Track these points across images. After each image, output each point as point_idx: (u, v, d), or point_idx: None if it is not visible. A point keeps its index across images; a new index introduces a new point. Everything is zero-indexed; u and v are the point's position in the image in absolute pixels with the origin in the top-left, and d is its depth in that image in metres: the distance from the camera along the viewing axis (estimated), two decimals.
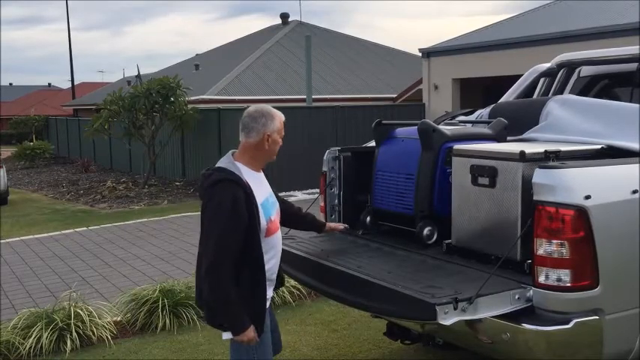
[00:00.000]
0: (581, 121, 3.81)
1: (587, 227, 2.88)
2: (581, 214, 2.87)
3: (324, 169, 4.37)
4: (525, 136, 3.97)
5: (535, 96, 5.24)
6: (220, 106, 17.60)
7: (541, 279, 2.94)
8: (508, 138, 3.90)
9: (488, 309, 2.86)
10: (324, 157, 4.37)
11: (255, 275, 2.96)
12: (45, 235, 10.29)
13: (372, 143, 4.25)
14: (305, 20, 34.23)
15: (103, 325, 5.32)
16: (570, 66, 5.21)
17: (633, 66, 4.72)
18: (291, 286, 5.91)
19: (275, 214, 3.12)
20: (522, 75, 5.35)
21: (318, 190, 4.94)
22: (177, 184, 16.12)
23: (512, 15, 26.53)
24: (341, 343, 5.12)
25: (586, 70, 5.20)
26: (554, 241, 2.90)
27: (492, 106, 4.70)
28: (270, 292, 3.13)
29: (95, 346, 5.21)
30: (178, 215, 11.64)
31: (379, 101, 21.11)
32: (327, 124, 15.02)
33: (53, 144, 27.15)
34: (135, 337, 5.42)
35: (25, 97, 55.69)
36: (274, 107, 3.14)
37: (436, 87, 17.26)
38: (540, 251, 2.95)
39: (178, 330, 5.47)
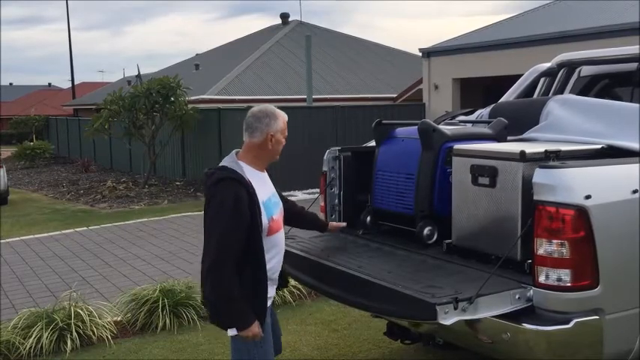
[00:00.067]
0: (582, 121, 3.81)
1: (588, 227, 2.88)
2: (582, 213, 2.87)
3: (325, 168, 4.37)
4: (525, 135, 3.96)
5: (535, 96, 5.24)
6: (220, 105, 17.61)
7: (541, 279, 2.94)
8: (508, 138, 3.90)
9: (489, 309, 2.86)
10: (325, 157, 4.37)
11: (257, 274, 2.97)
12: (45, 234, 10.29)
13: (372, 143, 4.25)
14: (305, 20, 34.30)
15: (104, 325, 5.32)
16: (570, 66, 5.20)
17: (633, 66, 4.72)
18: (292, 285, 5.90)
19: (277, 214, 3.13)
20: (522, 75, 5.35)
21: (318, 190, 4.95)
22: (178, 183, 16.13)
23: (512, 15, 26.53)
24: (341, 343, 5.12)
25: (586, 70, 5.20)
26: (555, 241, 2.90)
27: (492, 105, 4.70)
28: (272, 292, 3.14)
29: (95, 345, 5.21)
30: (178, 215, 11.64)
31: (379, 101, 21.12)
32: (327, 123, 15.02)
33: (53, 144, 27.16)
34: (135, 337, 5.42)
35: (26, 97, 55.70)
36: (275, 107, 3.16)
37: (436, 87, 17.26)
38: (540, 251, 2.95)
39: (178, 330, 5.47)
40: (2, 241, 9.82)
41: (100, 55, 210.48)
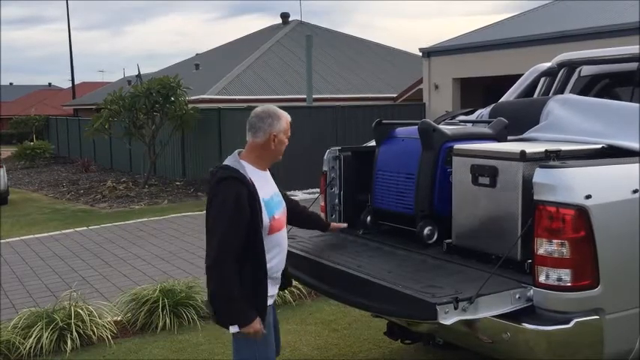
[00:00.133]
0: (582, 121, 3.81)
1: (588, 227, 2.87)
2: (582, 213, 2.87)
3: (325, 168, 4.37)
4: (526, 135, 3.96)
5: (535, 95, 5.24)
6: (221, 105, 17.61)
7: (541, 279, 2.94)
8: (508, 137, 3.90)
9: (489, 309, 2.86)
10: (325, 157, 4.37)
11: (257, 272, 2.99)
12: (45, 234, 10.28)
13: (373, 143, 4.25)
14: (305, 20, 34.28)
15: (104, 325, 5.32)
16: (571, 65, 5.21)
17: (634, 65, 4.72)
18: (292, 285, 5.90)
19: (279, 213, 3.15)
20: (523, 74, 5.34)
21: (318, 190, 4.95)
22: (178, 183, 16.12)
23: (512, 15, 26.53)
24: (341, 343, 5.12)
25: (586, 70, 5.20)
26: (555, 241, 2.90)
27: (493, 105, 4.70)
28: (273, 291, 3.16)
29: (95, 345, 5.21)
30: (179, 215, 11.64)
31: (379, 101, 21.11)
32: (327, 123, 15.01)
33: (53, 144, 27.17)
34: (135, 337, 5.42)
35: (26, 97, 55.69)
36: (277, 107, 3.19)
37: (436, 87, 17.26)
38: (541, 251, 2.94)
39: (179, 330, 5.47)
40: (2, 241, 9.82)
41: (100, 55, 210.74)
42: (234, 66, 23.73)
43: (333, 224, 3.89)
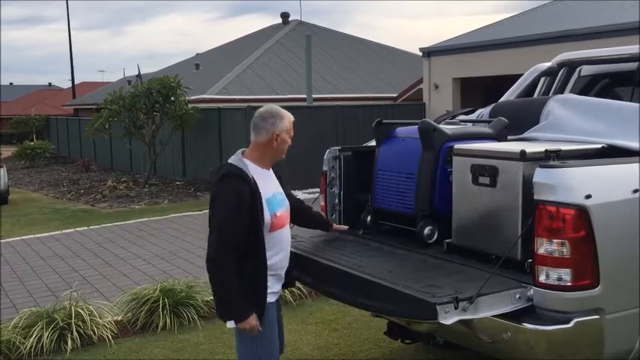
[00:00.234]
0: (582, 121, 3.81)
1: (588, 226, 2.88)
2: (582, 213, 2.87)
3: (325, 168, 4.38)
4: (526, 135, 3.96)
5: (536, 95, 5.24)
6: (221, 105, 17.59)
7: (542, 278, 2.94)
8: (509, 137, 3.90)
9: (489, 308, 2.86)
10: (325, 157, 4.37)
11: (257, 269, 3.03)
12: (45, 234, 10.29)
13: (373, 142, 4.25)
14: (305, 20, 34.25)
15: (104, 325, 5.32)
16: (571, 65, 5.21)
17: (634, 65, 4.72)
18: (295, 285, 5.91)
19: (281, 211, 3.19)
20: (523, 74, 5.35)
21: (318, 190, 4.95)
22: (178, 183, 16.12)
23: (512, 15, 26.52)
24: (341, 343, 5.13)
25: (586, 70, 5.20)
26: (555, 241, 2.90)
27: (493, 105, 4.70)
28: (277, 287, 3.21)
29: (96, 345, 5.21)
30: (179, 215, 11.64)
31: (380, 100, 21.12)
32: (327, 123, 15.01)
33: (54, 143, 27.16)
34: (135, 337, 5.43)
35: (26, 97, 55.69)
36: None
37: (436, 86, 17.26)
38: (541, 250, 2.95)
39: (179, 329, 5.47)
40: (3, 240, 9.82)
41: (100, 54, 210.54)
42: (234, 66, 23.73)
43: (335, 226, 3.94)
